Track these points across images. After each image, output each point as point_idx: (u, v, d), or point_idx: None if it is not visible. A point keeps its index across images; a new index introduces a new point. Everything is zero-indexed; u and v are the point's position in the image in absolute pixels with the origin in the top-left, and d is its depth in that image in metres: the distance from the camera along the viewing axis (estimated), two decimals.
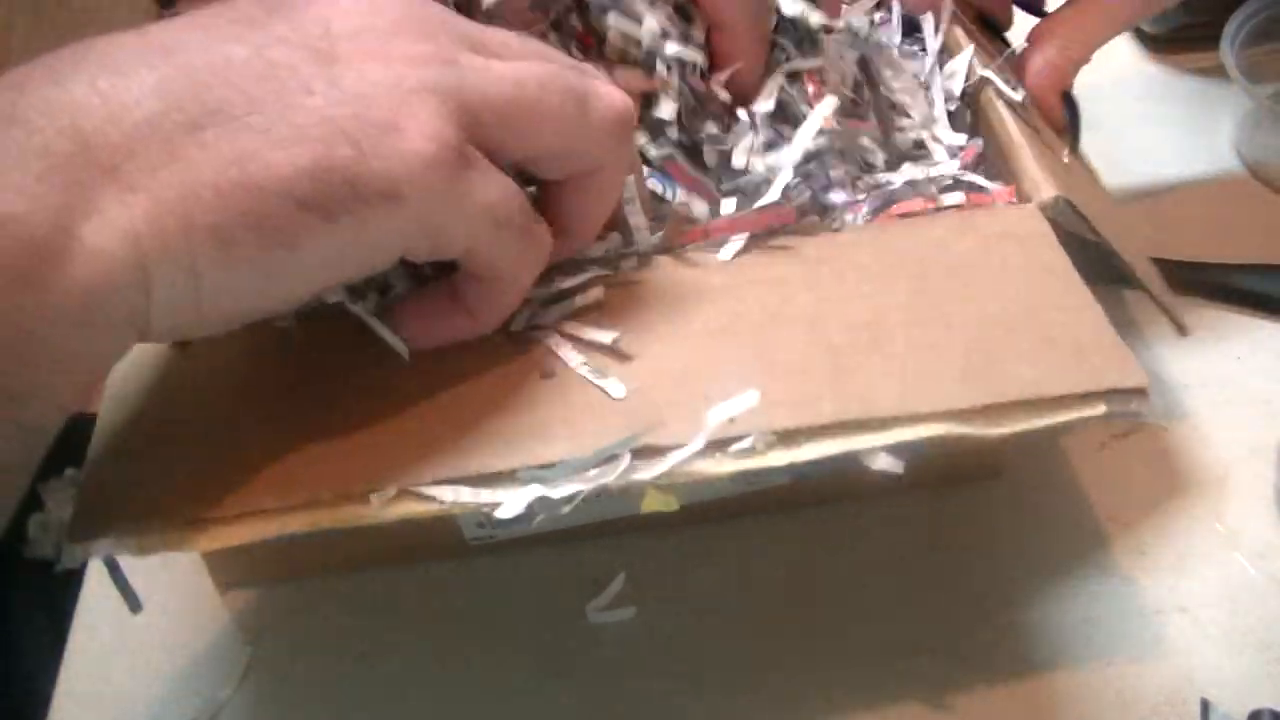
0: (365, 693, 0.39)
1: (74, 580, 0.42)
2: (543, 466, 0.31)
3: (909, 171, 0.41)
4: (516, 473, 0.32)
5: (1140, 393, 0.32)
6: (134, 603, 0.34)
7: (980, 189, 0.40)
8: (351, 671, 0.39)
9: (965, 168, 0.41)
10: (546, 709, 0.38)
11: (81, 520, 0.31)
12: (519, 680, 0.39)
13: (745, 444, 0.32)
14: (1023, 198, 0.39)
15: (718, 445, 0.32)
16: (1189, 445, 0.44)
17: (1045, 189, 0.38)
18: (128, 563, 0.32)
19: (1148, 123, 0.55)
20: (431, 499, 0.31)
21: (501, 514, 0.31)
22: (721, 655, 0.39)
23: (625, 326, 0.35)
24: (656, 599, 0.40)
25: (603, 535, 0.41)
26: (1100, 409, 0.32)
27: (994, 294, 0.36)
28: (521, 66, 0.33)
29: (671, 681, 0.38)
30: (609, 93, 0.35)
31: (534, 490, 0.31)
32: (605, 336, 0.35)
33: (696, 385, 0.33)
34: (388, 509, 0.31)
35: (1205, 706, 0.36)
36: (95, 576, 0.42)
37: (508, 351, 0.35)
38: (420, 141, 0.30)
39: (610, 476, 0.31)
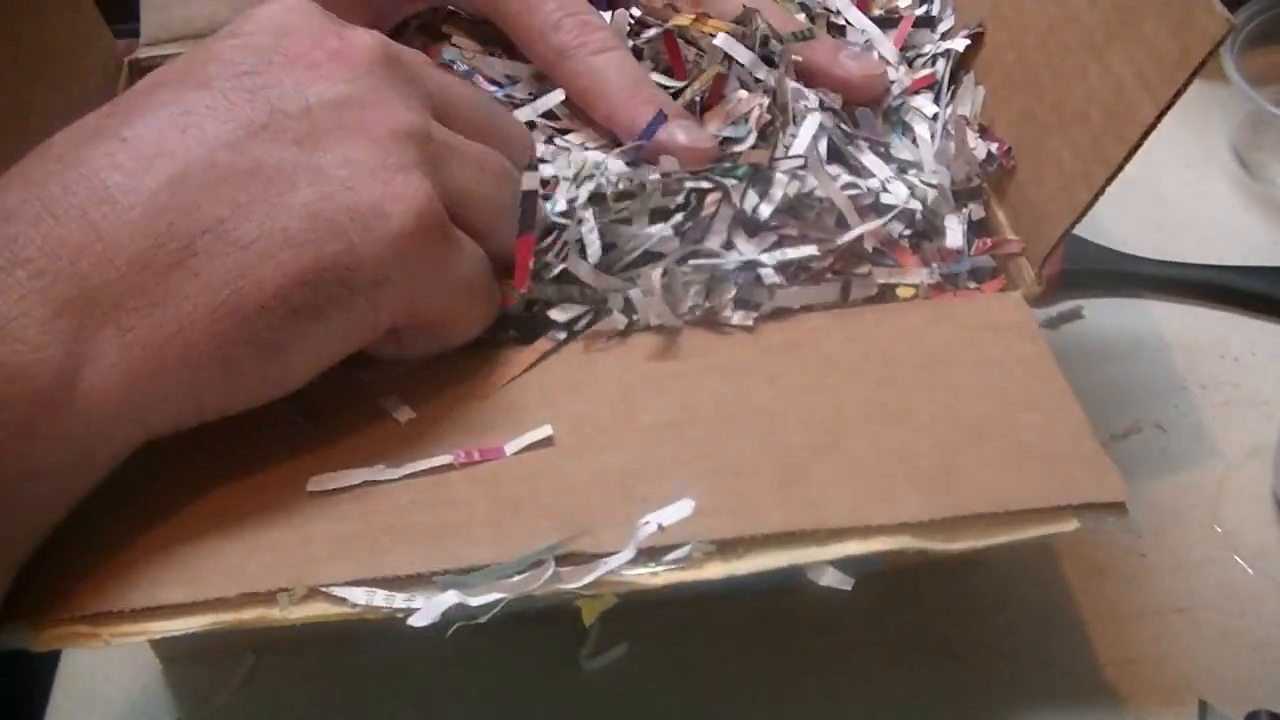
0: (366, 693, 0.39)
1: None
2: (462, 571, 0.29)
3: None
4: (434, 576, 0.29)
5: (1117, 507, 0.30)
6: None
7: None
8: (352, 674, 0.39)
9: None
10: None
11: None
12: (526, 681, 0.39)
13: (681, 553, 0.29)
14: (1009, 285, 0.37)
15: (651, 554, 0.29)
16: (1187, 446, 0.43)
17: (1028, 273, 0.36)
18: None
19: None
20: (343, 601, 0.29)
21: (415, 621, 0.28)
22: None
23: (565, 416, 0.33)
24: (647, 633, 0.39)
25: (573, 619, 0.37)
26: (1071, 524, 0.30)
27: (966, 391, 0.33)
28: (479, 149, 0.34)
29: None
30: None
31: (451, 597, 0.29)
32: (541, 431, 0.32)
33: (635, 487, 0.30)
34: (296, 609, 0.29)
35: (1203, 707, 0.36)
36: None
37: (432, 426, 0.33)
38: (407, 221, 0.30)
39: (533, 585, 0.29)
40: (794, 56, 0.39)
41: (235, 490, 0.32)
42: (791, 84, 0.39)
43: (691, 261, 0.36)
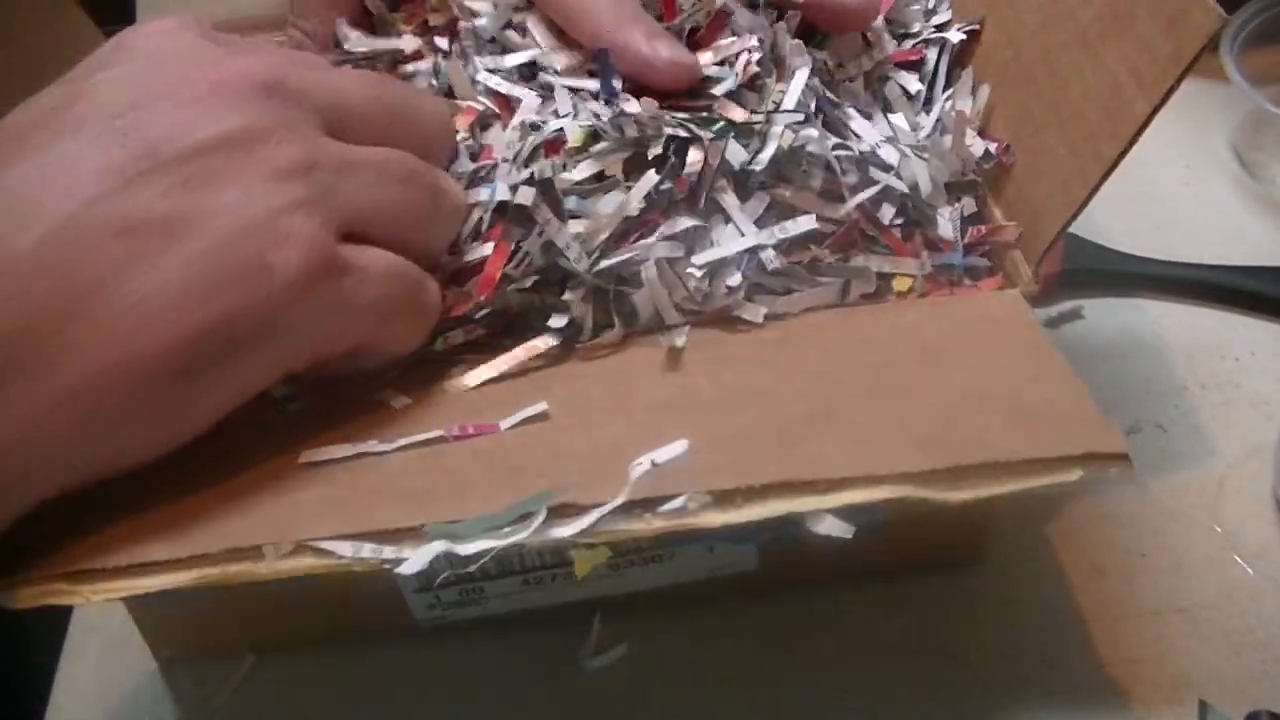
0: (365, 693, 0.39)
1: None
2: (452, 522, 0.29)
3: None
4: (424, 528, 0.28)
5: (1120, 459, 0.29)
6: None
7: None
8: (351, 674, 0.39)
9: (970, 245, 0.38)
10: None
11: None
12: (526, 681, 0.38)
13: (676, 504, 0.28)
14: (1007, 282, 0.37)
15: (646, 505, 0.28)
16: (1187, 446, 0.43)
17: (1025, 271, 0.36)
18: None
19: None
20: (329, 554, 0.28)
21: (405, 570, 0.28)
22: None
23: (561, 398, 0.32)
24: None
25: (573, 621, 0.38)
26: (1075, 474, 0.29)
27: (964, 369, 0.33)
28: (380, 156, 0.32)
29: None
30: (451, 187, 0.34)
31: (439, 546, 0.28)
32: (536, 407, 0.32)
33: (630, 454, 0.30)
34: (281, 563, 0.28)
35: (1203, 708, 0.36)
36: None
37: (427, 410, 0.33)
38: (292, 270, 0.29)
39: (524, 534, 0.28)
40: None
41: (221, 461, 0.31)
42: (790, 40, 0.39)
43: (694, 258, 0.35)
